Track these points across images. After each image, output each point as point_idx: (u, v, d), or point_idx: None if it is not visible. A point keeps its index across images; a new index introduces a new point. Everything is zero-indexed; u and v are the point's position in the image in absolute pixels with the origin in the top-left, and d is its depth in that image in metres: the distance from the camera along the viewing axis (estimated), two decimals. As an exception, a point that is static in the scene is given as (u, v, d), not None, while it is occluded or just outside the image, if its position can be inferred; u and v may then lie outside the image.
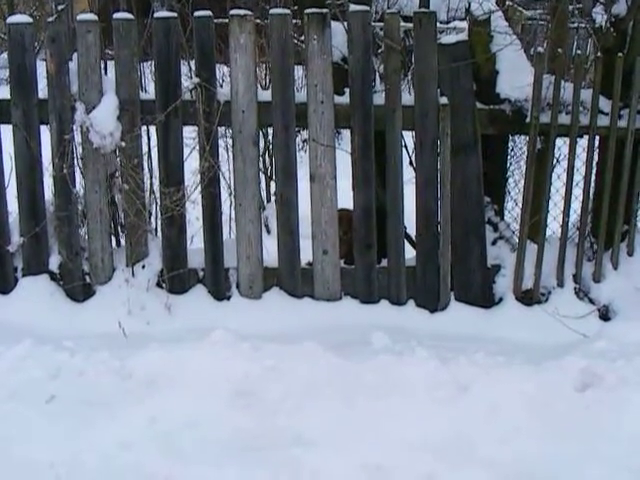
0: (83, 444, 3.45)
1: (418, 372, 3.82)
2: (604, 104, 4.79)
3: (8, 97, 4.73)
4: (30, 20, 4.67)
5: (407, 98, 4.77)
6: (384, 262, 4.93)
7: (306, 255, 4.92)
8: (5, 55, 4.97)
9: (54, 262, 4.87)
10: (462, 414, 3.60)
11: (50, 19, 4.70)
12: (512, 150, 5.26)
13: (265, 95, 4.76)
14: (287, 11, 4.71)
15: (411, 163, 5.11)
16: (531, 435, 3.51)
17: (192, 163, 4.86)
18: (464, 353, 4.05)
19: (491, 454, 3.41)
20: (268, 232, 5.81)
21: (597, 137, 4.86)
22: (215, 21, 4.69)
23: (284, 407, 3.64)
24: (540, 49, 4.70)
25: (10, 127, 4.74)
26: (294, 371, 3.80)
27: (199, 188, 4.77)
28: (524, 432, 3.52)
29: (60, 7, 4.72)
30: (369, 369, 3.85)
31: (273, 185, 5.99)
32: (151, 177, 5.21)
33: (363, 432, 3.51)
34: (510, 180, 5.25)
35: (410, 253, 4.96)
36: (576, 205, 4.94)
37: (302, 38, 5.41)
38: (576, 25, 6.83)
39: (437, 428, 3.53)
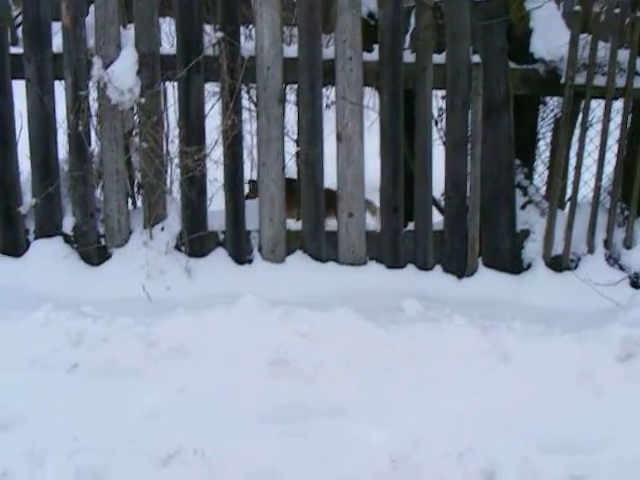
0: (107, 415, 3.32)
1: (457, 340, 3.70)
2: (641, 65, 4.64)
3: (21, 51, 4.54)
4: (45, -29, 4.47)
5: (438, 56, 4.60)
6: (410, 226, 4.78)
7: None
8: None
9: (68, 224, 4.70)
10: (504, 384, 3.52)
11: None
12: (543, 112, 5.11)
13: (291, 51, 4.58)
14: (315, -36, 4.51)
15: (436, 123, 4.96)
16: (573, 405, 3.45)
17: (211, 122, 4.69)
18: (502, 320, 3.93)
19: (533, 425, 3.33)
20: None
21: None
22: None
23: (320, 376, 3.51)
24: (577, 7, 4.53)
25: (23, 83, 4.55)
26: (329, 338, 3.66)
27: (221, 147, 4.59)
28: (566, 402, 3.46)
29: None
30: (406, 337, 3.72)
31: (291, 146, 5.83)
32: (168, 136, 5.02)
33: (403, 402, 3.41)
34: (541, 142, 5.09)
35: (437, 217, 4.82)
36: (608, 169, 4.81)
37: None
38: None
39: (478, 398, 3.45)
